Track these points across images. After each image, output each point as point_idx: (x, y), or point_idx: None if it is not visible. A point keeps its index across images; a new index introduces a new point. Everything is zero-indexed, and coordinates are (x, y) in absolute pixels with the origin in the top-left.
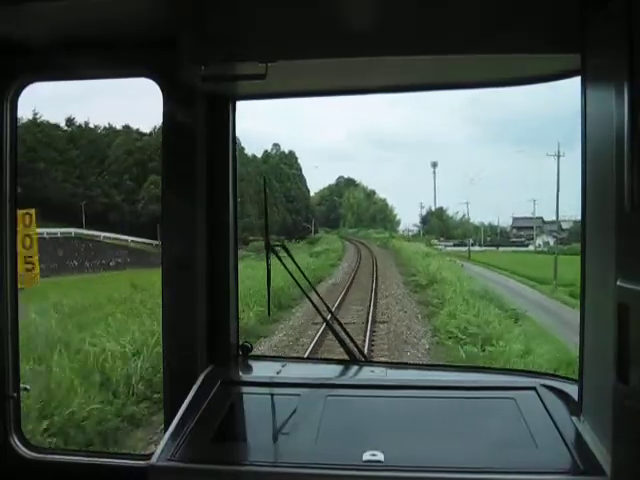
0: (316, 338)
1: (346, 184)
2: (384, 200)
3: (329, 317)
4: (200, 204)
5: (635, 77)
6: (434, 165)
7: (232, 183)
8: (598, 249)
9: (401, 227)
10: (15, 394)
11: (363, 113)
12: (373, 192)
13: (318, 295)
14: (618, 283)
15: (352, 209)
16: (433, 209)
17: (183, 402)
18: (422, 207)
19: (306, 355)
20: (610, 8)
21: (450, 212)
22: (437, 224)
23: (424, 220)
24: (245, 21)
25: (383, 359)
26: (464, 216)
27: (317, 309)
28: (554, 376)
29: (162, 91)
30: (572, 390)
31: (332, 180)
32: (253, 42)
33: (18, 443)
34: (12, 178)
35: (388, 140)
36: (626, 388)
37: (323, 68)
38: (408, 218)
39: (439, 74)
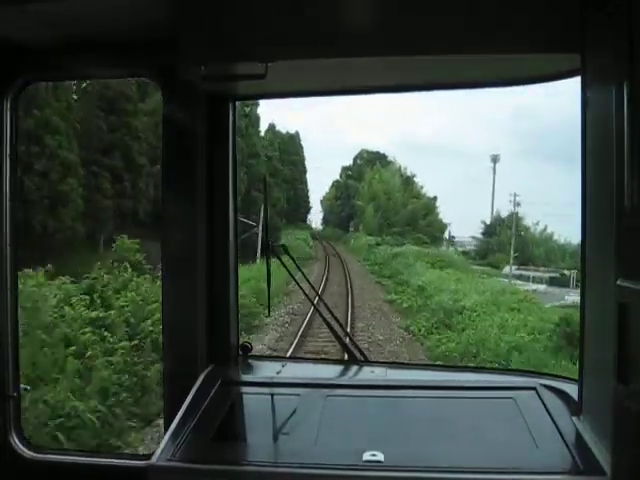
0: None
1: (370, 161)
2: (433, 198)
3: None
4: (200, 204)
5: (635, 77)
6: (494, 160)
7: (232, 183)
8: (598, 249)
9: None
10: (15, 394)
11: (398, 118)
12: (414, 178)
13: (318, 295)
14: (618, 283)
15: (376, 199)
16: (500, 216)
17: (183, 402)
18: (499, 207)
19: (293, 347)
20: (610, 8)
21: (528, 222)
22: (507, 238)
23: (490, 231)
24: (245, 21)
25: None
26: (545, 228)
27: (317, 310)
28: (554, 376)
29: (162, 91)
30: (572, 390)
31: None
32: (253, 42)
33: (18, 443)
34: (12, 178)
35: (422, 146)
36: (626, 388)
37: (323, 68)
38: (455, 227)
39: (439, 74)
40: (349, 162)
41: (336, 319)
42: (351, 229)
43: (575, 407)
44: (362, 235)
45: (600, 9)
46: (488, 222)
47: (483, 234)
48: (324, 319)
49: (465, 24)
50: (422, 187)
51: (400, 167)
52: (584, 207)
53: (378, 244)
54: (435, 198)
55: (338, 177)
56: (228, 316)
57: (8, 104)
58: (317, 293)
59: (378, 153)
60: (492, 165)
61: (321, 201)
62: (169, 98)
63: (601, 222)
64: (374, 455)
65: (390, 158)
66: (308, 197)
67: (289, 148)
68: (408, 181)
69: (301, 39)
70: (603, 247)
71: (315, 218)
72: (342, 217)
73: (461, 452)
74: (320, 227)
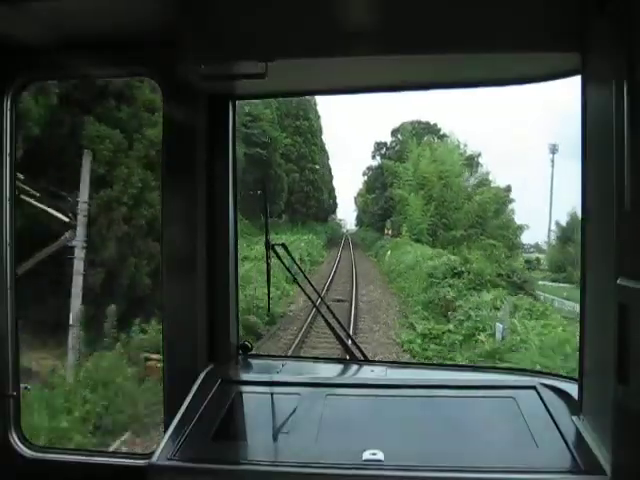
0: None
1: (416, 134)
2: (508, 189)
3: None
4: (200, 204)
5: (635, 77)
6: (553, 150)
7: (232, 182)
8: (598, 248)
9: None
10: (15, 393)
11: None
12: (478, 158)
13: (318, 294)
14: (618, 282)
15: (426, 187)
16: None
17: (183, 401)
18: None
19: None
20: (610, 8)
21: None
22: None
23: (565, 235)
24: (245, 20)
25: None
26: None
27: (318, 310)
28: (554, 375)
29: (162, 91)
30: (572, 389)
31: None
32: (253, 41)
33: (18, 442)
34: (12, 177)
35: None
36: (626, 388)
37: (323, 67)
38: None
39: (439, 73)
40: (386, 138)
41: (337, 319)
42: (387, 232)
43: (575, 406)
44: (405, 243)
45: (600, 9)
46: (564, 224)
47: (559, 238)
48: (324, 319)
49: (465, 24)
50: (489, 172)
51: (460, 143)
52: (584, 207)
53: (456, 273)
54: (509, 188)
55: (371, 160)
56: (228, 316)
57: (8, 104)
58: (319, 294)
59: (428, 124)
60: (550, 156)
61: (355, 198)
62: (169, 98)
63: (601, 222)
64: (374, 454)
65: (444, 131)
66: (330, 186)
67: (295, 110)
68: (472, 162)
69: (301, 39)
70: (603, 247)
71: (350, 218)
72: (376, 214)
73: (461, 451)
74: (354, 229)
